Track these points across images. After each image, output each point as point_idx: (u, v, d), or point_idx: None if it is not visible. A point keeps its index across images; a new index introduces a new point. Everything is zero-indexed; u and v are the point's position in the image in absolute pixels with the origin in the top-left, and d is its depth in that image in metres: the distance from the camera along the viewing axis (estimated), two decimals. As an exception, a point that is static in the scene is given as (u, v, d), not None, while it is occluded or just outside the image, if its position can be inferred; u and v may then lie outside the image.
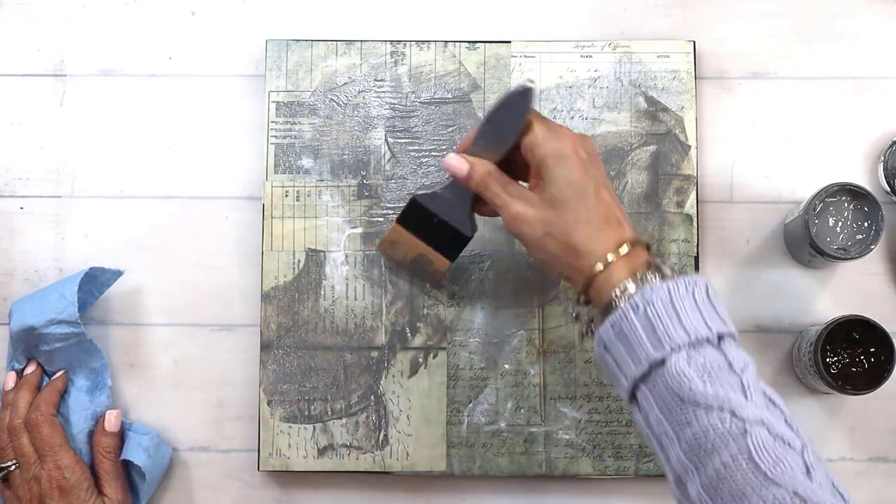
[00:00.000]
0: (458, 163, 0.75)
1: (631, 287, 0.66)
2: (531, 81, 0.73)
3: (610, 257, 0.68)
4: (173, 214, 0.90)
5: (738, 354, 0.64)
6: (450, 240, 0.80)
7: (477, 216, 0.80)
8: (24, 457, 0.82)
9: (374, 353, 0.87)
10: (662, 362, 0.64)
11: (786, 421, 0.63)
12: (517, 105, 0.73)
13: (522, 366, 0.86)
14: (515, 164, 0.76)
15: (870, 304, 0.87)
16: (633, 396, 0.66)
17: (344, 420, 0.86)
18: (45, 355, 0.85)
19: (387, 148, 0.89)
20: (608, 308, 0.67)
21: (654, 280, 0.66)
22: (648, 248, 0.71)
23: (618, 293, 0.67)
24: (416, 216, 0.80)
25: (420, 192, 0.79)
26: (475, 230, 0.80)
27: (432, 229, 0.80)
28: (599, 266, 0.68)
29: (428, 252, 0.82)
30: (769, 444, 0.60)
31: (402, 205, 0.88)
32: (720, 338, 0.65)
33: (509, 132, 0.74)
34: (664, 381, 0.63)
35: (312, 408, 0.86)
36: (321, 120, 0.89)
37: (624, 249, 0.68)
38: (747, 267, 0.89)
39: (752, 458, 0.60)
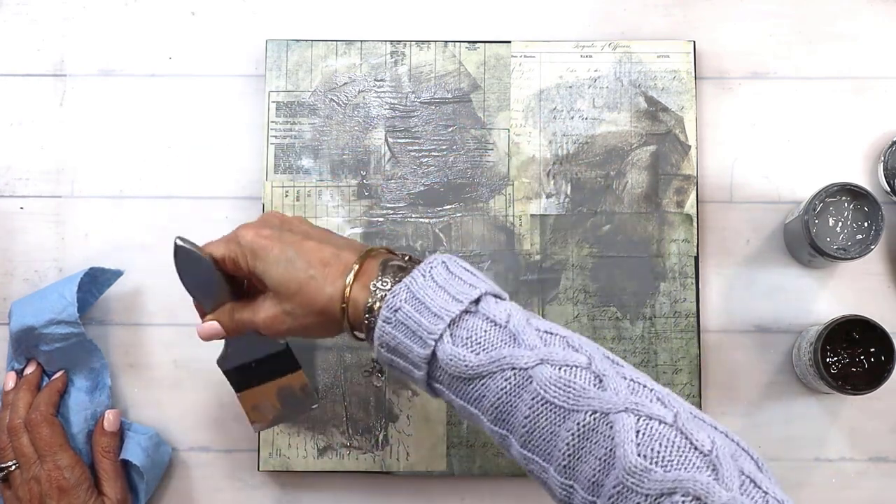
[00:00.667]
0: (210, 327, 0.74)
1: (375, 303, 0.66)
2: (178, 238, 0.74)
3: (344, 290, 0.67)
4: (173, 214, 0.90)
5: (498, 308, 0.64)
6: (278, 362, 0.80)
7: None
8: (24, 457, 0.82)
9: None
10: (435, 355, 0.64)
11: (568, 344, 0.63)
12: (186, 261, 0.73)
13: (522, 366, 0.86)
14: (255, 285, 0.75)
15: (870, 304, 0.87)
16: (433, 391, 0.67)
17: (344, 420, 0.86)
18: (45, 355, 0.85)
19: (387, 148, 0.89)
20: (370, 332, 0.67)
21: (390, 283, 0.66)
22: (384, 250, 0.70)
23: (367, 316, 0.66)
24: (241, 375, 0.80)
25: (222, 364, 0.79)
26: (284, 338, 0.78)
27: (260, 370, 0.80)
28: (341, 305, 0.67)
29: (280, 383, 0.80)
30: (553, 377, 0.60)
31: (402, 205, 0.88)
32: (477, 301, 0.64)
33: (207, 279, 0.73)
34: (444, 370, 0.64)
35: (312, 407, 0.86)
36: (321, 120, 0.89)
37: (349, 278, 0.67)
38: (747, 267, 0.89)
39: (545, 398, 0.60)
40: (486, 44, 0.89)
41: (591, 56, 0.89)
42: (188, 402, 0.88)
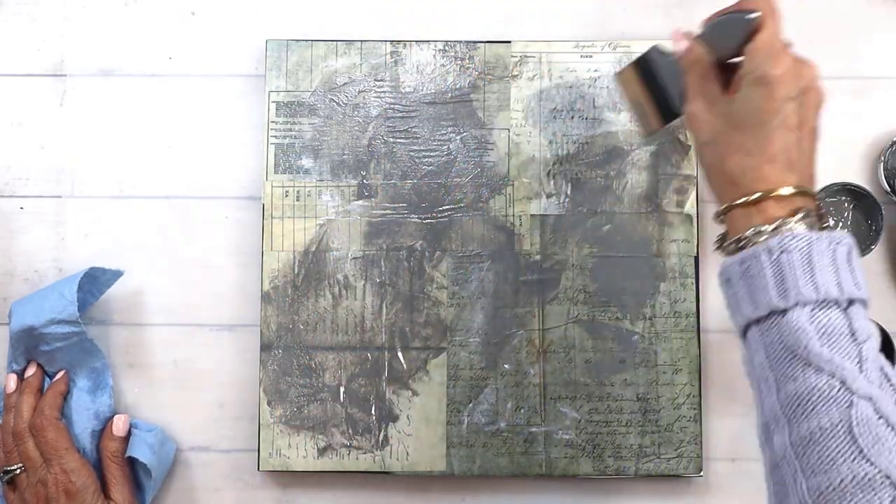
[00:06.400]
0: (681, 40, 0.73)
1: (769, 229, 0.64)
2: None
3: (757, 195, 0.65)
4: (173, 214, 0.90)
5: (864, 324, 0.62)
6: (663, 105, 0.77)
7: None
8: (29, 461, 0.82)
9: (374, 353, 0.87)
10: (784, 312, 0.62)
11: None
12: (740, 24, 0.71)
13: (522, 366, 0.86)
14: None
15: (870, 304, 0.87)
16: (744, 333, 0.65)
17: (344, 420, 0.86)
18: (46, 356, 0.85)
19: (387, 148, 0.89)
20: (740, 242, 0.65)
21: (797, 228, 0.64)
22: (815, 198, 0.67)
23: (753, 232, 0.64)
24: (646, 68, 0.78)
25: (657, 49, 0.77)
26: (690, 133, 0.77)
27: (655, 85, 0.77)
28: (742, 199, 0.66)
29: (646, 104, 0.78)
30: (872, 421, 0.58)
31: (402, 205, 0.88)
32: (850, 302, 0.63)
33: (728, 42, 0.71)
34: (780, 330, 0.62)
35: (312, 407, 0.86)
36: (321, 120, 0.89)
37: (784, 191, 0.65)
38: (747, 267, 0.88)
39: (852, 430, 0.58)
40: (486, 44, 0.89)
41: (591, 56, 0.89)
42: (188, 402, 0.88)
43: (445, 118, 0.89)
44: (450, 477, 0.86)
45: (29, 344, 0.85)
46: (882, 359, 0.62)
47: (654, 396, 0.86)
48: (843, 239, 0.64)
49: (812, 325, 0.61)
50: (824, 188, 0.81)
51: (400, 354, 0.87)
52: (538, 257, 0.87)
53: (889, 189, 0.87)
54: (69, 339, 0.84)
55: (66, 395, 0.85)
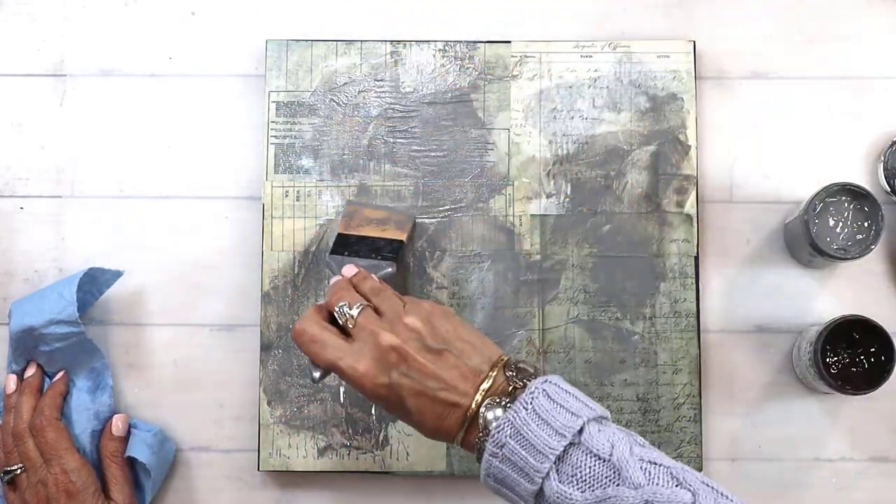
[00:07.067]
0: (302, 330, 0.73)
1: (483, 434, 0.66)
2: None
3: (459, 435, 0.68)
4: (173, 214, 0.90)
5: (601, 438, 0.64)
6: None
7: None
8: (29, 461, 0.82)
9: (374, 353, 0.87)
10: (542, 492, 0.64)
11: (672, 475, 0.63)
12: None
13: (522, 366, 0.86)
14: None
15: (870, 304, 0.87)
16: None
17: (344, 420, 0.86)
18: (46, 356, 0.85)
19: (387, 148, 0.89)
20: (479, 454, 0.67)
21: (491, 419, 0.66)
22: (506, 365, 0.69)
23: (478, 445, 0.67)
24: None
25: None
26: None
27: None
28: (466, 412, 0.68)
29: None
30: None
31: (402, 205, 0.88)
32: (580, 431, 0.64)
33: None
34: None
35: (312, 407, 0.86)
36: (321, 120, 0.89)
37: (464, 403, 0.67)
38: (747, 267, 0.88)
39: None
40: (486, 44, 0.89)
41: (591, 56, 0.89)
42: (188, 402, 0.88)
43: (445, 118, 0.89)
44: (450, 477, 0.86)
45: (29, 344, 0.85)
46: (637, 447, 0.64)
47: (654, 396, 0.86)
48: (535, 390, 0.66)
49: (564, 483, 0.63)
50: (824, 188, 0.81)
51: (400, 354, 0.87)
52: (538, 257, 0.87)
53: (889, 189, 0.87)
54: (69, 340, 0.84)
55: (65, 396, 0.85)
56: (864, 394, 0.81)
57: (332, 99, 0.89)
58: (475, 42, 0.89)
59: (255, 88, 0.91)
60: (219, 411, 0.88)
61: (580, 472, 0.63)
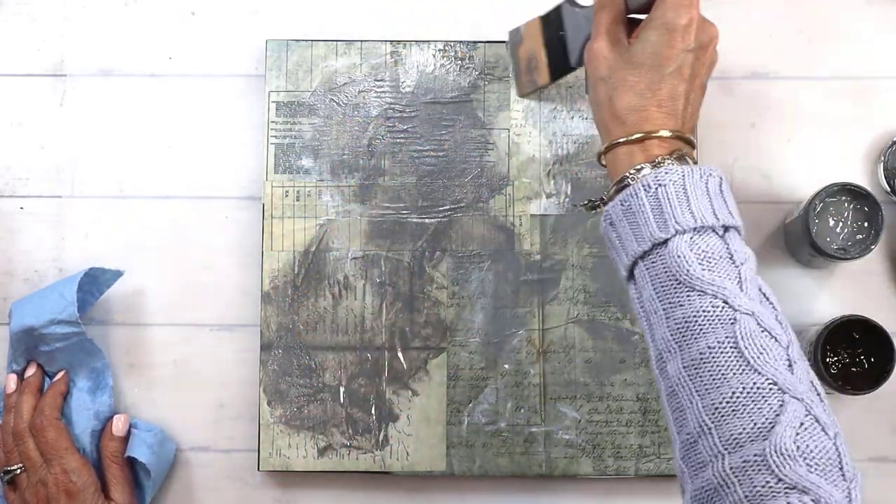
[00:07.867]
0: None
1: (647, 168, 0.67)
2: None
3: (638, 135, 0.68)
4: (173, 214, 0.90)
5: (741, 247, 0.65)
6: (559, 59, 0.80)
7: None
8: (29, 461, 0.82)
9: (374, 354, 0.87)
10: (665, 243, 0.64)
11: (776, 317, 0.64)
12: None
13: (522, 366, 0.86)
14: None
15: (870, 304, 0.87)
16: (631, 275, 0.67)
17: (344, 420, 0.86)
18: (46, 356, 0.85)
19: (387, 148, 0.89)
20: (621, 183, 0.68)
21: (671, 164, 0.67)
22: (693, 146, 0.70)
23: (632, 171, 0.67)
24: (554, 22, 0.80)
25: (569, 2, 0.79)
26: (580, 65, 0.78)
27: (556, 39, 0.79)
28: (626, 138, 0.69)
29: (540, 58, 0.81)
30: (756, 333, 0.61)
31: (402, 205, 0.88)
32: (726, 229, 0.65)
33: None
34: (664, 261, 0.64)
35: (312, 407, 0.86)
36: (321, 120, 0.89)
37: (665, 133, 0.68)
38: (747, 267, 0.88)
39: (738, 345, 0.61)
40: (486, 44, 0.89)
41: (591, 56, 0.89)
42: (188, 402, 0.88)
43: (445, 118, 0.89)
44: (450, 477, 0.86)
45: (29, 344, 0.85)
46: (759, 280, 0.65)
47: (654, 396, 0.86)
48: (714, 171, 0.67)
49: (692, 251, 0.64)
50: (824, 188, 0.81)
51: (400, 354, 0.87)
52: (538, 257, 0.87)
53: (889, 189, 0.87)
54: (69, 340, 0.84)
55: (66, 396, 0.85)
56: (864, 394, 0.81)
57: (332, 99, 0.89)
58: (475, 42, 0.89)
59: (255, 88, 0.91)
60: (219, 411, 0.88)
61: (711, 253, 0.64)
